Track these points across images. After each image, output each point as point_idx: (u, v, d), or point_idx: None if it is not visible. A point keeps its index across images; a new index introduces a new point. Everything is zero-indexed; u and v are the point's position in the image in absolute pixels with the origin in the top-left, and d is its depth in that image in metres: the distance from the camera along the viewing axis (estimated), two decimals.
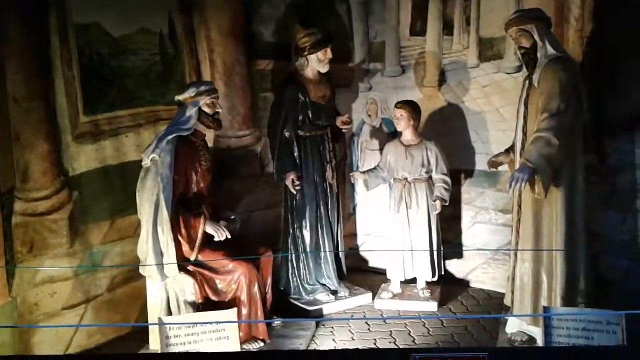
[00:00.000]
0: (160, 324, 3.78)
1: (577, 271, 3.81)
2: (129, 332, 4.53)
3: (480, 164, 5.07)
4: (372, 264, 5.77)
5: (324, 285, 4.99)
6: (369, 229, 5.74)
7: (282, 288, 4.97)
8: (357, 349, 3.70)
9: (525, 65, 3.88)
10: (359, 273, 5.45)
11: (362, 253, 5.82)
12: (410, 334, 4.39)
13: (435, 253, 4.88)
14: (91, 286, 4.33)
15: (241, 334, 3.96)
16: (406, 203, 4.81)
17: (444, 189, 4.76)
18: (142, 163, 3.96)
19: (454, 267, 5.26)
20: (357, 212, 5.77)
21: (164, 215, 3.83)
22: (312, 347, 4.24)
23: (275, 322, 4.45)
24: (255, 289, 4.07)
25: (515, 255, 4.01)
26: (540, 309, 3.84)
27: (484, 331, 4.39)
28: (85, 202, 4.27)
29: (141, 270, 4.01)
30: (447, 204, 4.80)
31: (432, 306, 4.80)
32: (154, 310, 4.09)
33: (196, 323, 3.83)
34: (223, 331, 3.88)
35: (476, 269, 5.26)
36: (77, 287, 4.22)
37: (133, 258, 4.24)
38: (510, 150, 4.19)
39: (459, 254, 5.30)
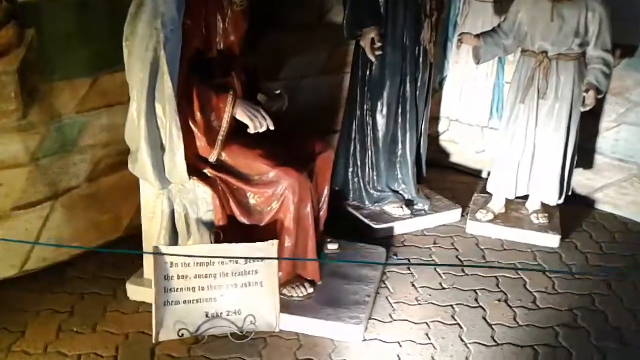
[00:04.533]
0: (157, 253, 2.40)
1: None
2: (120, 237, 3.19)
3: None
4: (455, 159, 4.27)
5: (397, 192, 3.53)
6: (457, 112, 4.16)
7: (336, 188, 3.51)
8: None
9: None
10: (434, 170, 3.93)
11: (442, 143, 4.29)
12: (527, 286, 2.97)
13: (567, 166, 3.33)
14: (61, 175, 2.90)
15: (280, 274, 2.57)
16: (538, 89, 3.17)
17: (603, 74, 3.08)
18: None
19: (576, 179, 3.69)
20: (445, 89, 4.15)
21: (167, 86, 2.26)
22: (384, 295, 2.86)
23: (329, 247, 3.05)
24: (308, 209, 2.61)
25: None
26: None
27: (636, 292, 2.96)
28: (47, 48, 2.69)
29: (131, 168, 2.53)
30: (602, 96, 3.15)
31: (553, 240, 3.34)
32: (150, 227, 2.68)
33: (213, 258, 2.43)
34: (254, 274, 2.49)
35: (609, 186, 3.73)
36: (36, 176, 2.79)
37: None
38: None
39: (587, 163, 3.74)
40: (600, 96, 3.11)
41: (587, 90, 3.06)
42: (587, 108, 3.10)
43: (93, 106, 2.94)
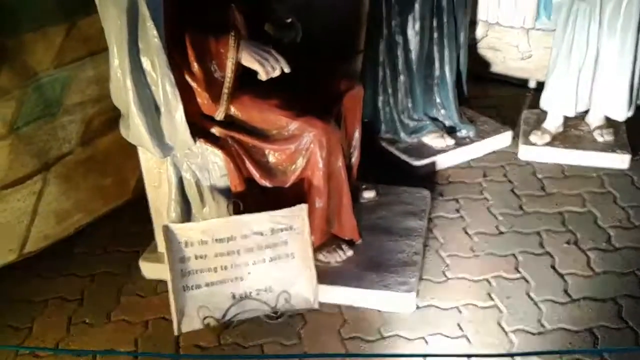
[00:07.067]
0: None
1: None
2: (128, 200, 2.84)
3: None
4: (497, 69, 3.76)
5: (436, 120, 3.08)
6: (497, 13, 3.60)
7: (366, 120, 3.06)
8: None
9: None
10: (473, 85, 3.38)
11: (480, 51, 3.76)
12: (598, 222, 2.56)
13: (637, 72, 2.82)
14: (49, 142, 2.50)
15: (313, 237, 2.20)
16: None
17: None
18: None
19: None
20: None
21: (152, 35, 1.80)
22: (434, 248, 2.49)
23: (365, 196, 2.65)
24: (339, 163, 2.19)
25: None
26: None
27: None
28: None
29: (125, 135, 2.12)
30: None
31: (622, 161, 2.90)
32: (157, 197, 2.31)
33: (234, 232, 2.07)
34: (284, 245, 2.13)
35: None
36: (20, 148, 2.40)
37: None
38: None
39: None
40: None
41: None
42: None
43: (74, 57, 2.48)
